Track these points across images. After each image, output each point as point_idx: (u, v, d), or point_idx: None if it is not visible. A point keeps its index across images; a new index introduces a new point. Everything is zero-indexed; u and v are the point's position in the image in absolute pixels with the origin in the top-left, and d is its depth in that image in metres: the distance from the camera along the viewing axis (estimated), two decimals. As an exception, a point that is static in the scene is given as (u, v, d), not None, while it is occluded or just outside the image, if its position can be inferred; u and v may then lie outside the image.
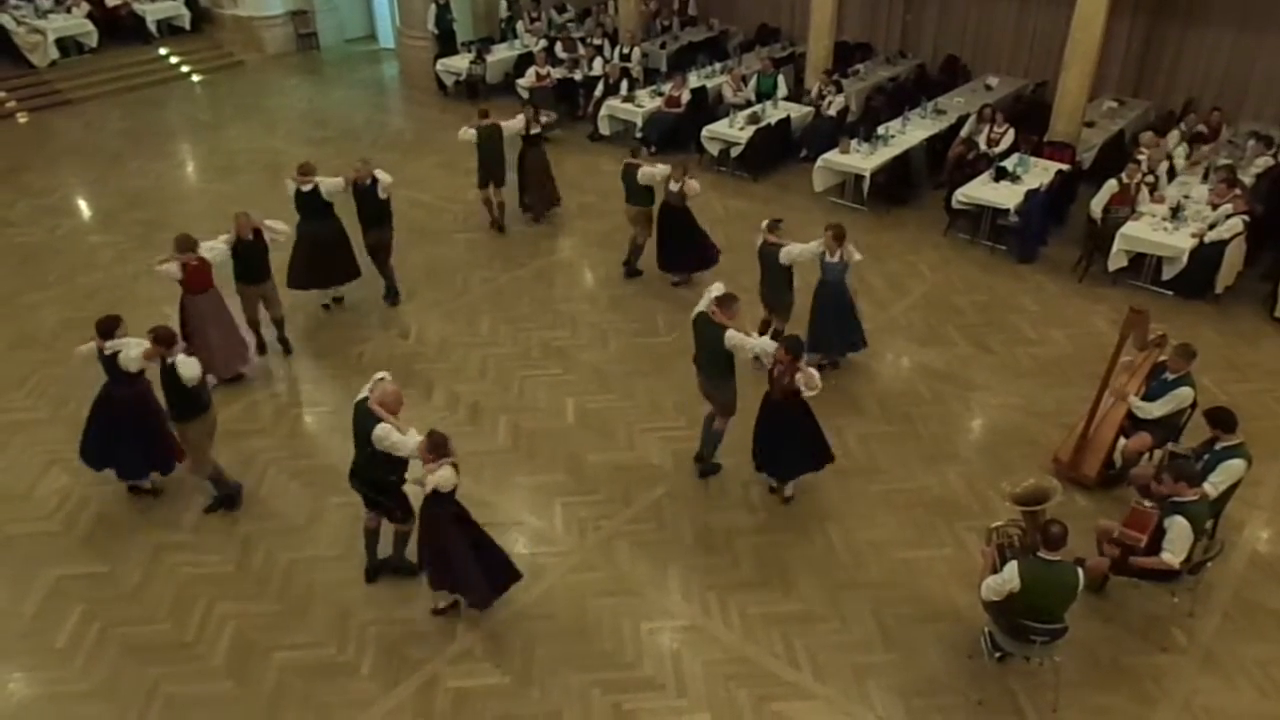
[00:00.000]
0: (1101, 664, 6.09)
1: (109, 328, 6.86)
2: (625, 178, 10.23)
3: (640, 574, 6.79)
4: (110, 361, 6.83)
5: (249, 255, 8.54)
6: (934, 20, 16.69)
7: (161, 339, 6.64)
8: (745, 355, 7.16)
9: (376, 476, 6.26)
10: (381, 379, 6.18)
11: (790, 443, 7.19)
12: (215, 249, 8.26)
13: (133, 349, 6.74)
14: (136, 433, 7.03)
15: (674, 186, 9.95)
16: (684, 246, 10.32)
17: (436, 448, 5.77)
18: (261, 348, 9.08)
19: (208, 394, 7.08)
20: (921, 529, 7.22)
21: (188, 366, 6.63)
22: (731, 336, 7.00)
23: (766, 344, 7.02)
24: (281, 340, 9.16)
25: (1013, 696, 5.90)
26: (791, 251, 8.34)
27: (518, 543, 7.03)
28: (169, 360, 6.63)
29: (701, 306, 7.26)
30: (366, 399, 6.10)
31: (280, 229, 8.67)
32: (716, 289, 7.29)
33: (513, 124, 11.23)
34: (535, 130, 11.40)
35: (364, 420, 6.03)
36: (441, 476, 5.74)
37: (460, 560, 6.04)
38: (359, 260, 9.75)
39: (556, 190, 12.05)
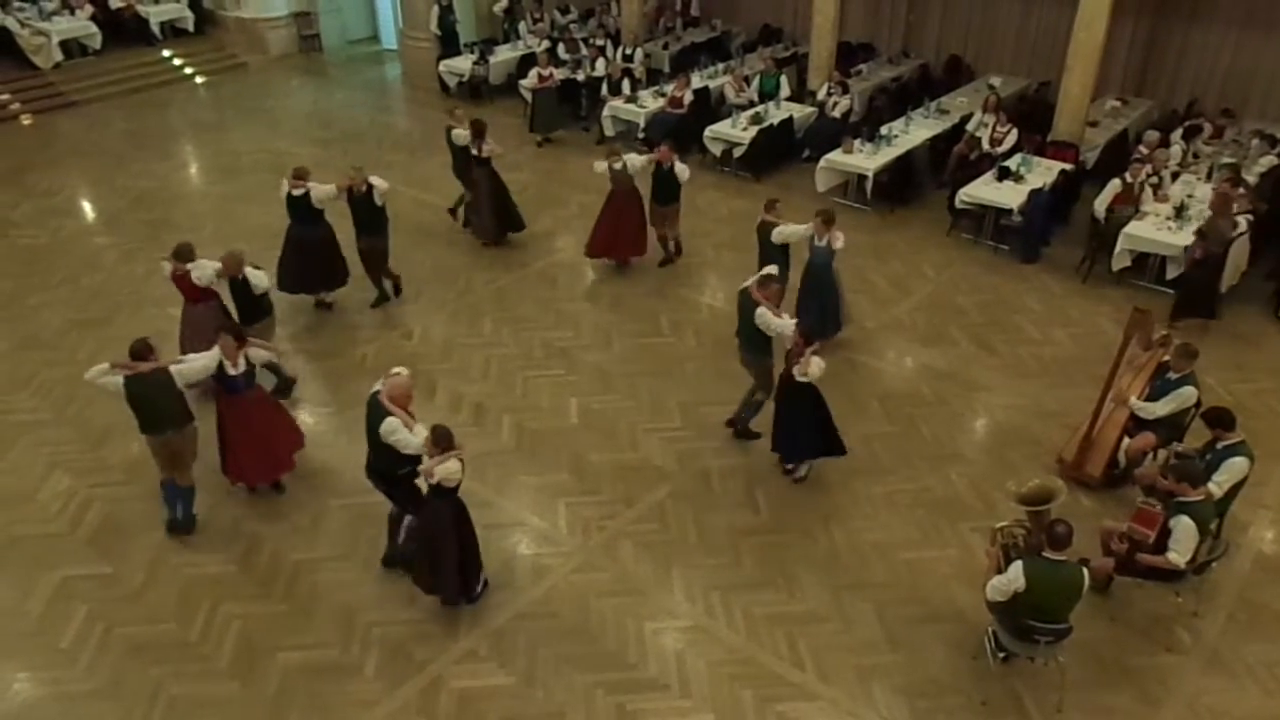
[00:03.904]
0: (1106, 664, 6.08)
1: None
2: (662, 179, 10.34)
3: (644, 574, 6.79)
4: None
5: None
6: (937, 20, 16.69)
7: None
8: (771, 334, 7.36)
9: (386, 469, 6.30)
10: (396, 373, 6.24)
11: (799, 424, 7.34)
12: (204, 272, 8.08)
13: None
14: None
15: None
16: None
17: (440, 441, 5.81)
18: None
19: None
20: (925, 529, 7.21)
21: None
22: (760, 314, 7.28)
23: (786, 326, 7.19)
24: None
25: (1017, 697, 5.89)
26: (784, 231, 8.86)
27: (521, 543, 7.04)
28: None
29: (747, 283, 7.57)
30: (378, 392, 6.17)
31: (261, 283, 8.17)
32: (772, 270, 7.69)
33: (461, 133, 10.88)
34: (482, 154, 10.75)
35: (375, 413, 6.12)
36: (447, 469, 5.78)
37: (448, 560, 6.10)
38: (349, 266, 9.77)
39: (518, 215, 11.36)
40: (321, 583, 6.67)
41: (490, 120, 11.15)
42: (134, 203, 12.64)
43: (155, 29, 18.53)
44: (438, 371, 9.02)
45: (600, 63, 15.30)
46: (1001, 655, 5.86)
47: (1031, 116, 13.38)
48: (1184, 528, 5.80)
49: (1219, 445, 6.45)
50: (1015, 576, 5.37)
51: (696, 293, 10.46)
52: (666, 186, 10.38)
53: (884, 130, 12.62)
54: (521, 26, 17.47)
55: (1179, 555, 5.80)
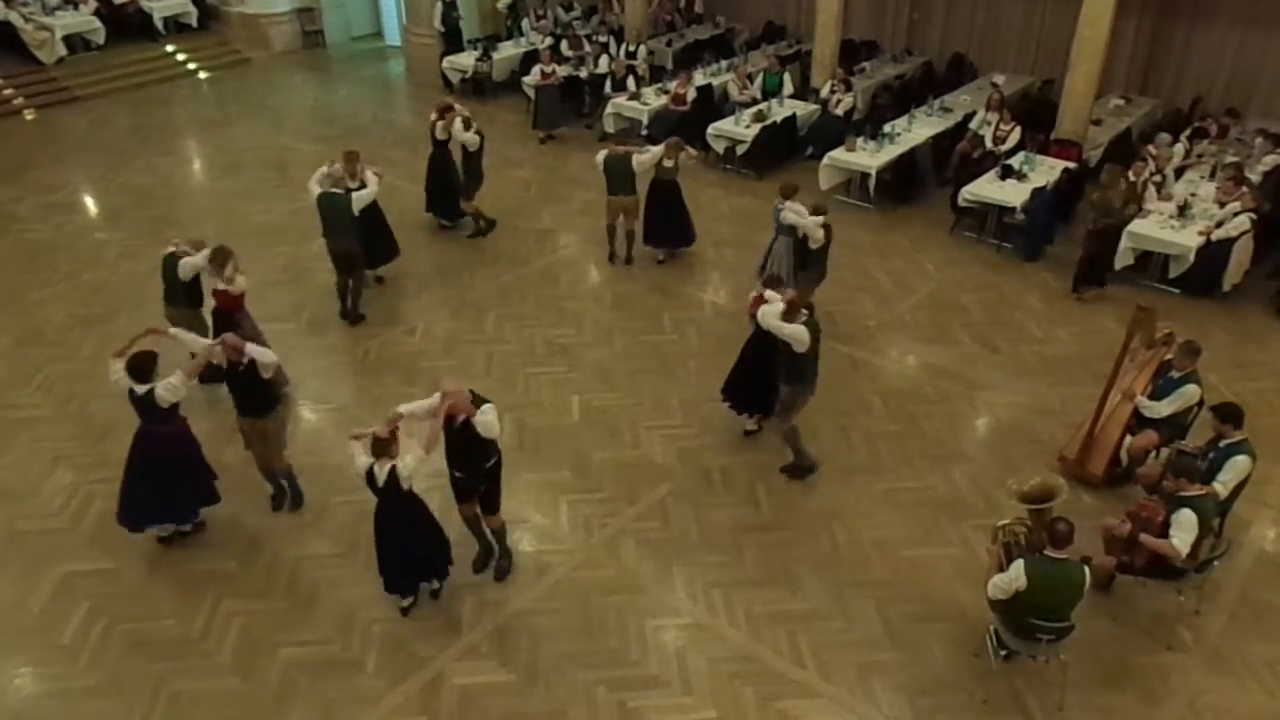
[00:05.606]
0: (1107, 663, 6.08)
1: (146, 368, 6.35)
2: (615, 168, 10.22)
3: (645, 572, 6.79)
4: (145, 400, 6.38)
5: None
6: (941, 18, 16.66)
7: (232, 344, 6.55)
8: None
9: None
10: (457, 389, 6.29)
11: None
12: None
13: (169, 381, 6.40)
14: (184, 470, 6.71)
15: (668, 163, 10.31)
16: (673, 221, 10.74)
17: (374, 442, 5.85)
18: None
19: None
20: (927, 527, 7.21)
21: (265, 355, 6.68)
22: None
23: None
24: None
25: (1018, 695, 5.89)
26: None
27: (523, 540, 7.04)
28: (245, 360, 6.59)
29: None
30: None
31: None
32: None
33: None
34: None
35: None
36: (353, 459, 5.96)
37: (380, 550, 6.25)
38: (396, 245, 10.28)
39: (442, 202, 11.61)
40: (323, 579, 6.68)
41: (494, 117, 11.19)
42: (136, 199, 12.64)
43: (158, 24, 18.55)
44: (440, 368, 9.00)
45: (603, 60, 15.29)
46: (1003, 653, 5.86)
47: (1035, 114, 13.35)
48: (1185, 516, 5.80)
49: (1221, 443, 6.44)
50: (1016, 575, 5.36)
51: (699, 290, 10.45)
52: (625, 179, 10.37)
53: (887, 128, 12.61)
54: (525, 23, 17.45)
55: (1181, 542, 5.78)
